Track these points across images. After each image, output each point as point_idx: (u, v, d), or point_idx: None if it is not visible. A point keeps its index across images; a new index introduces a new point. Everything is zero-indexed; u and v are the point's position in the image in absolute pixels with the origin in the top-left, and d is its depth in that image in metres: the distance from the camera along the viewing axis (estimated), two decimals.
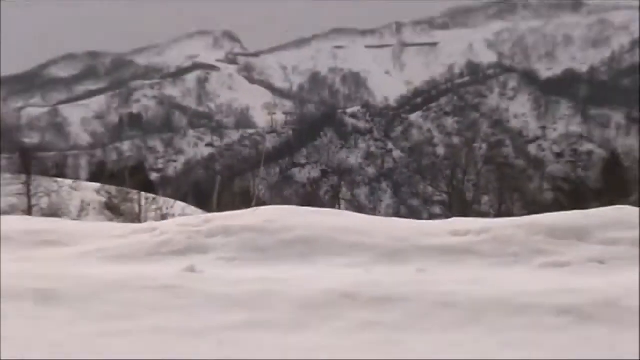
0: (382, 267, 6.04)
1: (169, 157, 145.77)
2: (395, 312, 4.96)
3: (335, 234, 6.55)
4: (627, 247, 6.07)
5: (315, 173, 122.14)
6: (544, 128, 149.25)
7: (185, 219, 8.42)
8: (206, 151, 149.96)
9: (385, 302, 5.10)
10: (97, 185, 36.89)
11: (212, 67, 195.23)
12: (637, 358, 4.36)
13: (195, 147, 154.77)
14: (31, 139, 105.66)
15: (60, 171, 50.97)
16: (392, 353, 4.37)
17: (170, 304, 5.02)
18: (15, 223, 8.42)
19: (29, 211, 29.65)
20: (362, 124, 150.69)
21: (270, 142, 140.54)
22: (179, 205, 30.44)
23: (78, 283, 5.28)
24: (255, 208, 8.21)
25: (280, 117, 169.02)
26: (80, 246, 6.56)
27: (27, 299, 5.02)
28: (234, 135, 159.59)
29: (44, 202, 31.98)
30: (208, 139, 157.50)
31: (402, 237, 6.64)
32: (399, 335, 4.64)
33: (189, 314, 4.88)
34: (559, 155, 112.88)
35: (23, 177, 32.91)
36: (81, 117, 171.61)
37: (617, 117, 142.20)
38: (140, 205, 29.89)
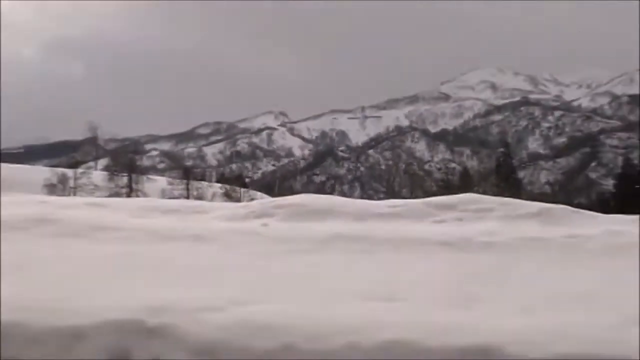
0: (354, 224, 8.46)
1: (254, 171, 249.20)
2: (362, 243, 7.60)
3: (333, 207, 9.09)
4: (473, 213, 8.82)
5: (323, 178, 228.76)
6: (432, 157, 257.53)
7: (261, 201, 11.47)
8: (271, 168, 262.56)
9: (360, 238, 7.58)
10: (219, 185, 72.63)
11: (274, 128, 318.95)
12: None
13: (266, 166, 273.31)
14: (188, 162, 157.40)
15: (202, 178, 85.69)
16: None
17: (255, 239, 7.48)
18: (182, 203, 11.62)
19: (187, 197, 56.74)
20: (345, 155, 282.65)
21: (301, 163, 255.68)
22: (259, 194, 52.76)
23: (212, 230, 7.86)
24: (294, 195, 11.02)
25: (306, 152, 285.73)
26: (212, 213, 9.25)
27: (186, 240, 7.44)
28: (283, 160, 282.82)
29: (195, 193, 61.65)
30: (272, 162, 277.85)
31: (363, 208, 9.23)
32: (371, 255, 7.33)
33: (264, 244, 7.23)
34: (439, 169, 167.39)
35: (185, 182, 68.43)
36: (212, 152, 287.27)
37: (467, 151, 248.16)
38: (240, 194, 58.48)
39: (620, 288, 5.80)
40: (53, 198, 13.23)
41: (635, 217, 8.50)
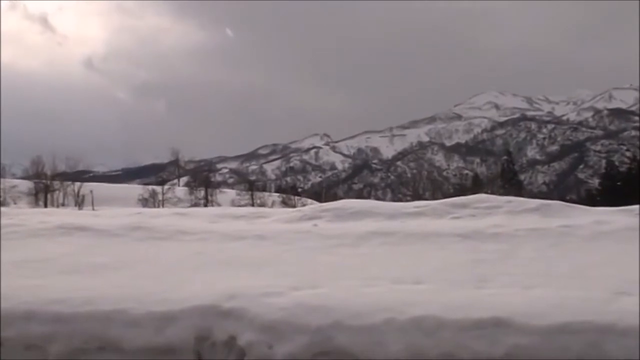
0: (386, 222, 8.30)
1: (305, 182, 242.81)
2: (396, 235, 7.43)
3: (369, 209, 8.92)
4: (483, 210, 8.65)
5: (360, 186, 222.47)
6: (448, 166, 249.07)
7: (311, 206, 11.15)
8: (318, 179, 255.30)
9: (392, 233, 7.44)
10: (277, 194, 73.27)
11: (320, 147, 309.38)
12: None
13: (314, 178, 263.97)
14: (252, 177, 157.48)
15: (263, 189, 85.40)
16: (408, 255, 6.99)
17: (307, 237, 7.41)
18: (247, 210, 11.77)
19: (252, 205, 56.58)
20: (378, 166, 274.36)
21: (342, 175, 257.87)
22: (309, 201, 51.66)
23: (272, 230, 7.86)
24: (338, 201, 10.78)
25: (346, 165, 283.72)
26: (272, 217, 9.21)
27: (251, 239, 7.41)
28: (328, 173, 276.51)
29: (258, 202, 62.69)
30: (319, 174, 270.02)
31: (394, 208, 9.04)
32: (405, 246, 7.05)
33: (315, 241, 7.22)
34: (454, 176, 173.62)
35: (249, 193, 69.00)
36: (271, 168, 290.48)
37: (477, 160, 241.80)
38: (294, 201, 59.00)
39: (607, 267, 5.70)
40: (146, 209, 13.46)
41: (619, 208, 8.34)
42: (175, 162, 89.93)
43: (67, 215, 10.75)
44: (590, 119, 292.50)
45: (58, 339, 4.73)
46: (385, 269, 5.88)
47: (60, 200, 62.57)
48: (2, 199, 53.81)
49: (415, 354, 4.34)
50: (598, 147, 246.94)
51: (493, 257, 6.23)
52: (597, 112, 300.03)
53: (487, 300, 4.69)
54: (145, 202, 62.64)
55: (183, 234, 7.75)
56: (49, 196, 62.65)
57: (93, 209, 21.78)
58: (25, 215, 9.54)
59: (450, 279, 5.42)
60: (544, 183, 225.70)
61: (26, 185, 62.86)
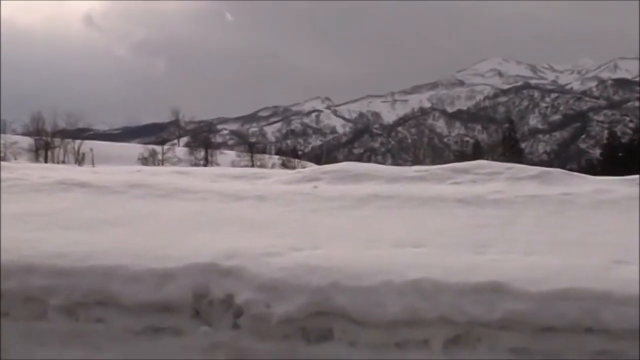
0: (387, 185, 8.22)
1: (305, 145, 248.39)
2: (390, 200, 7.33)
3: (370, 172, 8.84)
4: (484, 175, 8.55)
5: (360, 151, 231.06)
6: (449, 132, 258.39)
7: (312, 168, 11.23)
8: (319, 143, 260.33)
9: (393, 197, 7.38)
10: (277, 157, 74.91)
11: (321, 111, 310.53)
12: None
13: (314, 141, 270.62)
14: (252, 139, 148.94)
15: (264, 152, 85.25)
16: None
17: (307, 198, 7.36)
18: (247, 170, 11.57)
19: (252, 167, 54.41)
20: (379, 131, 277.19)
21: (343, 139, 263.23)
22: (309, 164, 51.81)
23: (272, 191, 7.74)
24: (338, 163, 10.70)
25: (347, 129, 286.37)
26: (272, 178, 9.07)
27: (251, 200, 7.35)
28: (329, 136, 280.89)
29: (258, 164, 62.64)
30: (320, 137, 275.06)
31: (394, 172, 8.96)
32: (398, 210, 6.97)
33: (315, 202, 7.15)
34: (455, 142, 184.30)
35: (250, 155, 70.07)
36: (271, 131, 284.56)
37: (479, 127, 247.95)
38: (294, 164, 58.66)
39: (607, 235, 5.70)
40: (146, 167, 13.40)
41: (621, 178, 8.32)
42: (175, 122, 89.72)
43: (67, 171, 10.72)
44: (594, 89, 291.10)
45: (58, 292, 4.76)
46: (385, 232, 5.88)
47: (61, 158, 62.60)
48: (2, 154, 53.78)
49: (412, 316, 4.38)
50: (601, 118, 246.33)
51: (493, 223, 6.22)
52: (601, 81, 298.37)
53: (486, 265, 4.71)
54: (145, 161, 62.71)
55: (183, 193, 7.73)
56: (49, 153, 62.63)
57: (93, 167, 21.80)
58: (26, 170, 9.52)
59: (449, 243, 5.43)
60: (545, 152, 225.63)
61: (27, 141, 62.85)
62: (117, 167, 12.26)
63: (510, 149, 75.48)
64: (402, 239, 5.60)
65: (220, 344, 4.59)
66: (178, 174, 9.85)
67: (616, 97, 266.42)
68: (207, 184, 8.61)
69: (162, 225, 6.10)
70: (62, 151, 64.45)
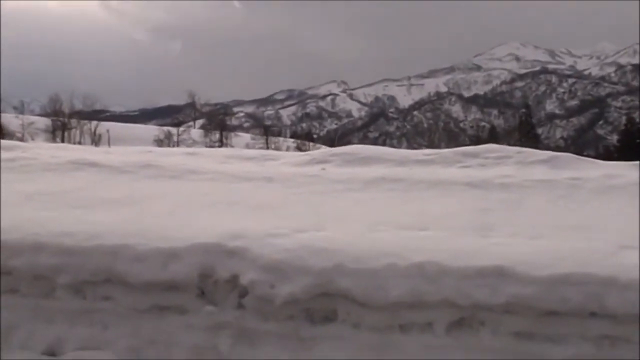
0: (395, 168, 8.18)
1: (320, 129, 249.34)
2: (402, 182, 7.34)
3: (379, 155, 8.82)
4: (493, 159, 8.50)
5: (376, 135, 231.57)
6: (465, 117, 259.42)
7: (321, 150, 11.20)
8: (334, 126, 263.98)
9: (400, 180, 7.37)
10: (292, 140, 72.83)
11: (337, 94, 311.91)
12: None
13: (330, 125, 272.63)
14: (268, 122, 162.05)
15: (279, 135, 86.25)
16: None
17: (315, 180, 7.34)
18: (258, 152, 11.57)
19: (267, 149, 50.29)
20: (394, 115, 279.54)
21: (358, 123, 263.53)
22: (324, 147, 50.19)
23: (280, 173, 7.79)
24: (348, 146, 10.85)
25: (363, 113, 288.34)
26: (281, 160, 9.11)
27: (259, 181, 7.37)
28: (344, 120, 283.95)
29: (273, 147, 62.39)
30: (335, 121, 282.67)
31: (403, 155, 8.90)
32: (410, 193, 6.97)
33: (322, 185, 7.16)
34: (471, 127, 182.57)
35: (264, 138, 69.16)
36: (286, 114, 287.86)
37: (495, 112, 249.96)
38: (309, 147, 57.67)
39: (614, 220, 5.65)
40: (157, 148, 13.44)
41: (631, 163, 8.22)
42: (191, 105, 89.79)
43: (79, 151, 10.77)
44: (613, 74, 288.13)
45: (66, 270, 4.80)
46: (390, 215, 5.87)
47: (77, 139, 62.97)
48: (20, 135, 54.17)
49: (416, 299, 4.38)
50: (619, 103, 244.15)
51: (500, 207, 6.19)
52: (620, 67, 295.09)
53: (490, 249, 4.69)
54: (160, 142, 62.90)
55: (192, 174, 7.75)
56: (66, 134, 63.02)
57: (108, 148, 21.90)
58: (38, 150, 9.58)
59: (455, 226, 5.41)
60: (562, 138, 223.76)
61: (44, 122, 63.25)
62: (129, 147, 12.29)
63: (526, 134, 74.87)
64: (407, 221, 5.58)
65: (224, 324, 4.62)
66: (188, 155, 9.88)
67: (635, 83, 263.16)
68: (217, 165, 8.63)
69: (169, 205, 6.12)
70: (78, 132, 64.83)
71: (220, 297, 4.71)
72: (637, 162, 8.06)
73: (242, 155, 9.90)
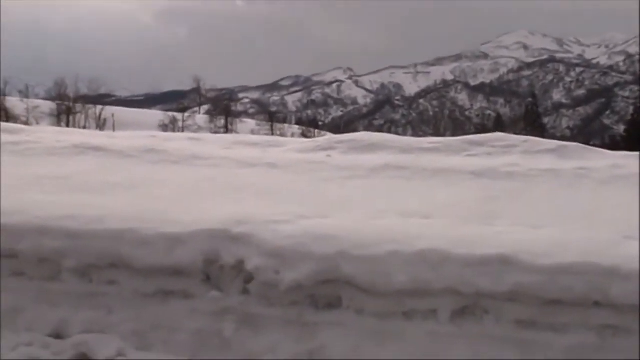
0: (400, 156, 8.09)
1: (326, 116, 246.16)
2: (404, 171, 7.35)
3: (384, 142, 8.74)
4: (500, 148, 8.45)
5: (381, 122, 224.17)
6: (471, 105, 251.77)
7: (326, 137, 11.10)
8: (339, 113, 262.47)
9: (405, 168, 7.41)
10: (297, 126, 74.08)
11: (342, 81, 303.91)
12: None
13: (335, 112, 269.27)
14: (273, 108, 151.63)
15: (284, 121, 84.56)
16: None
17: (320, 167, 7.39)
18: (262, 138, 11.78)
19: (272, 135, 53.06)
20: (400, 103, 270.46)
21: (364, 110, 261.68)
22: (329, 134, 49.44)
23: (285, 159, 7.80)
24: (354, 133, 10.69)
25: (368, 100, 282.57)
26: (286, 147, 9.10)
27: (263, 167, 7.40)
28: (349, 107, 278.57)
29: (278, 133, 61.52)
30: (340, 108, 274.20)
31: (408, 143, 8.88)
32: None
33: (327, 171, 7.19)
34: (477, 116, 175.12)
35: (270, 124, 68.68)
36: (292, 100, 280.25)
37: (501, 101, 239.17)
38: (314, 134, 57.49)
39: (619, 210, 5.63)
40: (160, 133, 13.43)
41: (636, 153, 8.19)
42: (196, 90, 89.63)
43: (83, 135, 10.79)
44: (621, 64, 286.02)
45: (70, 254, 4.83)
46: (394, 202, 5.87)
47: (82, 123, 62.97)
48: (25, 119, 54.22)
49: (420, 286, 4.39)
50: (627, 93, 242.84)
51: (504, 196, 6.19)
52: (629, 56, 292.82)
53: (494, 237, 4.69)
54: (165, 128, 62.76)
55: (196, 159, 7.77)
56: (71, 118, 63.04)
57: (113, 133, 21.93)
58: (42, 134, 9.60)
59: (459, 214, 5.42)
60: (568, 127, 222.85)
61: (49, 106, 63.20)
62: (133, 132, 12.30)
63: (532, 123, 74.64)
64: (411, 209, 5.59)
65: (229, 309, 4.65)
66: (192, 140, 9.88)
67: None
68: (221, 150, 8.63)
69: (173, 190, 6.14)
70: (83, 117, 64.81)
71: (225, 282, 4.73)
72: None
73: (246, 141, 9.88)
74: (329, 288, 4.61)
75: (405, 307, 4.50)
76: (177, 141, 9.15)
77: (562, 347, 4.15)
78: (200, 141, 9.70)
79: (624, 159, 8.00)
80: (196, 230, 4.78)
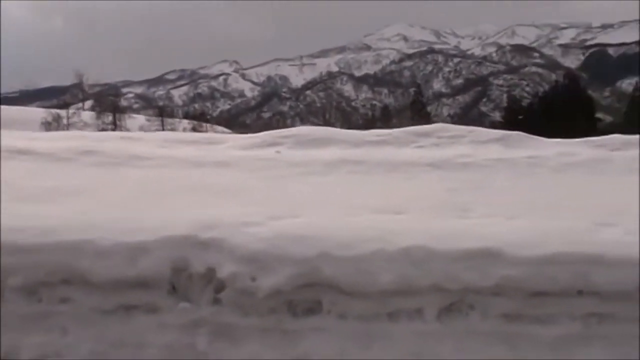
0: (352, 149, 8.01)
1: (213, 109, 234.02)
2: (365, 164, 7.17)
3: (330, 136, 8.70)
4: (446, 139, 8.50)
5: (269, 114, 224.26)
6: (357, 96, 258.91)
7: (268, 132, 10.27)
8: (227, 106, 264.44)
9: (360, 162, 7.26)
10: (187, 121, 71.43)
11: (229, 74, 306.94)
12: None
13: (223, 105, 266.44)
14: (159, 103, 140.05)
15: (171, 116, 77.23)
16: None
17: (273, 164, 7.16)
18: (198, 135, 11.20)
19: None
20: (287, 95, 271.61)
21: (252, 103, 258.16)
22: (219, 128, 44.99)
23: (232, 157, 7.52)
24: (293, 127, 10.42)
25: (256, 93, 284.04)
26: (226, 144, 8.69)
27: (212, 166, 7.04)
28: (237, 100, 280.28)
29: (169, 128, 54.87)
30: (228, 101, 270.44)
31: (356, 136, 8.74)
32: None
33: (282, 168, 6.97)
34: (363, 106, 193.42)
35: (159, 119, 62.81)
36: (178, 94, 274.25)
37: (385, 91, 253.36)
38: (205, 128, 46.58)
39: (583, 198, 5.75)
40: (89, 133, 12.60)
41: (578, 140, 8.47)
42: (78, 85, 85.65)
43: None
44: (494, 54, 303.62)
45: (16, 271, 4.33)
46: (362, 198, 5.70)
47: None
48: None
49: (405, 285, 4.27)
50: (500, 82, 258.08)
51: (467, 187, 6.17)
52: (500, 47, 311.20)
53: (473, 230, 4.63)
54: (49, 125, 59.47)
55: (138, 159, 7.26)
56: None
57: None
58: None
59: (429, 208, 5.31)
60: (449, 115, 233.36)
61: None
62: (52, 133, 11.47)
63: (418, 112, 77.10)
64: (380, 205, 5.43)
65: (200, 321, 4.34)
66: (126, 139, 9.26)
67: (514, 62, 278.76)
68: (160, 150, 8.12)
69: (124, 194, 5.67)
70: None
71: (194, 292, 4.41)
72: (585, 139, 8.30)
73: (181, 139, 9.39)
74: (308, 292, 4.40)
75: (390, 307, 4.36)
76: (110, 141, 8.52)
77: (548, 339, 4.11)
78: (135, 140, 9.10)
79: (568, 146, 8.22)
80: (161, 237, 4.41)
